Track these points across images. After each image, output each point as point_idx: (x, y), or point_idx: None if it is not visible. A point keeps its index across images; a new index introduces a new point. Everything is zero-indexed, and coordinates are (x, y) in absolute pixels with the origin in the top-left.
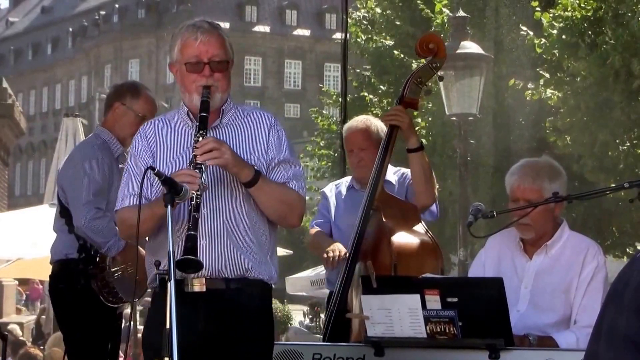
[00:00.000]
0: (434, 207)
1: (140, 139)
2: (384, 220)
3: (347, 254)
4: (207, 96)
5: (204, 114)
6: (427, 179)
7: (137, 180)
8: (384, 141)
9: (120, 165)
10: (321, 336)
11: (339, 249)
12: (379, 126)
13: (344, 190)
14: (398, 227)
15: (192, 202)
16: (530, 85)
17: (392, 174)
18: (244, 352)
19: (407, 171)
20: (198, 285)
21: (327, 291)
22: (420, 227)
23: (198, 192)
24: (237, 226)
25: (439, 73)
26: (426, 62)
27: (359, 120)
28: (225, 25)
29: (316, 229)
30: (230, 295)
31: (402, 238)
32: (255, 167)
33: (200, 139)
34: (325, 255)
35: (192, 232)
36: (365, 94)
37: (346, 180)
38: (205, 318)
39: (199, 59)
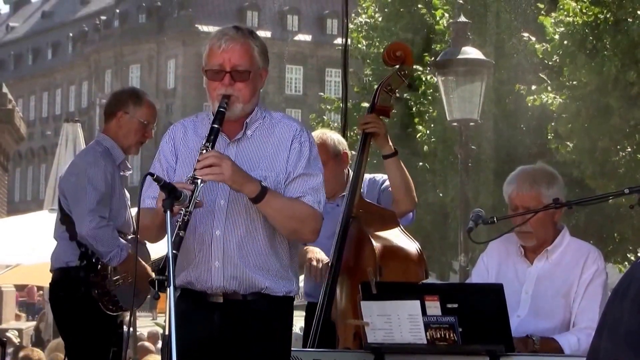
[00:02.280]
0: (410, 213)
1: (168, 141)
2: (363, 227)
3: (330, 263)
4: (224, 106)
5: (215, 126)
6: (406, 185)
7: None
8: (359, 149)
9: (121, 173)
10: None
11: (320, 257)
12: (336, 139)
13: None
14: (378, 233)
15: (179, 220)
16: (533, 87)
17: None
18: (257, 354)
19: (377, 176)
20: (217, 296)
21: None
22: (399, 231)
23: (188, 209)
24: (252, 245)
25: (407, 81)
26: (394, 70)
27: (315, 135)
28: None
29: None
30: (247, 304)
31: (384, 242)
32: (263, 183)
33: (205, 151)
34: (309, 264)
35: (174, 252)
36: (366, 104)
37: None
38: (220, 323)
39: (220, 68)
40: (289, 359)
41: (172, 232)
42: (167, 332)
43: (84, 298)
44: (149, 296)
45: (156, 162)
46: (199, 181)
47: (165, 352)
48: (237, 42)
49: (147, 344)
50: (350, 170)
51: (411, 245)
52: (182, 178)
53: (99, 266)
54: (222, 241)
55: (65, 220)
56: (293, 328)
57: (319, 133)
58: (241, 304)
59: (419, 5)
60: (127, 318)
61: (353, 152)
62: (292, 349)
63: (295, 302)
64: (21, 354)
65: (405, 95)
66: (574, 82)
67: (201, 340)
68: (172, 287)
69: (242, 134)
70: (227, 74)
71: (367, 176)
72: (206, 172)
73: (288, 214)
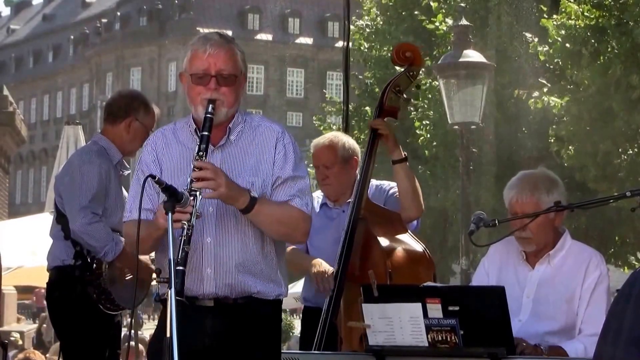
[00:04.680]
0: (415, 220)
1: (150, 152)
2: (371, 229)
3: (337, 265)
4: (212, 112)
5: (206, 133)
6: (414, 191)
7: (145, 192)
8: (366, 151)
9: (119, 172)
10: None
11: (325, 267)
12: (347, 144)
13: (317, 207)
14: (385, 235)
15: (183, 234)
16: (535, 94)
17: None
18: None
19: (384, 183)
20: (207, 300)
21: None
22: (407, 235)
23: (190, 223)
24: (243, 251)
25: (415, 81)
26: (403, 70)
27: (326, 137)
28: (228, 33)
29: (292, 246)
30: (237, 307)
31: (393, 246)
32: (251, 193)
33: (198, 161)
34: (314, 272)
35: (180, 268)
36: (368, 109)
37: (318, 195)
38: (212, 328)
39: (205, 72)
40: (280, 356)
41: (176, 248)
42: (167, 335)
43: (80, 297)
44: (146, 298)
45: (139, 172)
46: (197, 193)
47: (166, 355)
48: (222, 47)
49: None
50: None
51: (419, 248)
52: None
53: (94, 265)
54: (213, 248)
55: (61, 220)
56: (294, 331)
57: (331, 135)
58: (232, 308)
59: (416, 12)
60: (129, 320)
61: None
62: (293, 352)
63: (294, 306)
64: (21, 355)
65: (412, 100)
66: (576, 85)
67: (193, 347)
68: (172, 289)
69: (226, 139)
70: (213, 78)
71: (374, 182)
72: (203, 186)
73: (278, 219)
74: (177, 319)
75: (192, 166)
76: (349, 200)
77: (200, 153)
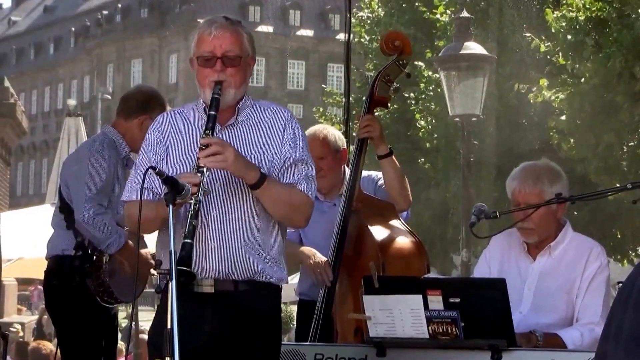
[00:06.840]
0: (405, 212)
1: (155, 132)
2: (364, 221)
3: (331, 258)
4: (218, 92)
5: (212, 112)
6: (401, 184)
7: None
8: (356, 151)
9: (125, 166)
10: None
11: (319, 257)
12: (337, 135)
13: None
14: (379, 226)
15: (191, 209)
16: (534, 89)
17: None
18: (250, 354)
19: (372, 173)
20: (207, 286)
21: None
22: (399, 224)
23: (198, 198)
24: (248, 227)
25: (405, 70)
26: (393, 59)
27: (316, 129)
28: None
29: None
30: (239, 297)
31: (386, 237)
32: (261, 170)
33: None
34: (310, 263)
35: (188, 241)
36: None
37: None
38: (212, 319)
39: (212, 54)
40: (280, 348)
41: (183, 222)
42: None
43: (78, 288)
44: (148, 289)
45: (142, 154)
46: (204, 169)
47: (167, 348)
48: (227, 29)
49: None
50: (347, 169)
51: (412, 239)
52: (177, 167)
53: (95, 257)
54: (218, 222)
55: (64, 209)
56: (295, 323)
57: (321, 127)
58: (233, 297)
59: (417, 4)
60: (129, 311)
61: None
62: (293, 343)
63: (294, 299)
64: (30, 346)
65: (405, 94)
66: (578, 77)
67: (192, 338)
68: (174, 281)
69: (234, 120)
70: (219, 60)
71: (364, 173)
72: (210, 160)
73: (284, 200)
74: (177, 310)
75: (199, 145)
76: (340, 193)
77: (207, 131)
